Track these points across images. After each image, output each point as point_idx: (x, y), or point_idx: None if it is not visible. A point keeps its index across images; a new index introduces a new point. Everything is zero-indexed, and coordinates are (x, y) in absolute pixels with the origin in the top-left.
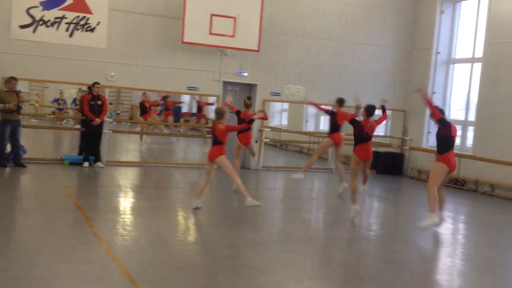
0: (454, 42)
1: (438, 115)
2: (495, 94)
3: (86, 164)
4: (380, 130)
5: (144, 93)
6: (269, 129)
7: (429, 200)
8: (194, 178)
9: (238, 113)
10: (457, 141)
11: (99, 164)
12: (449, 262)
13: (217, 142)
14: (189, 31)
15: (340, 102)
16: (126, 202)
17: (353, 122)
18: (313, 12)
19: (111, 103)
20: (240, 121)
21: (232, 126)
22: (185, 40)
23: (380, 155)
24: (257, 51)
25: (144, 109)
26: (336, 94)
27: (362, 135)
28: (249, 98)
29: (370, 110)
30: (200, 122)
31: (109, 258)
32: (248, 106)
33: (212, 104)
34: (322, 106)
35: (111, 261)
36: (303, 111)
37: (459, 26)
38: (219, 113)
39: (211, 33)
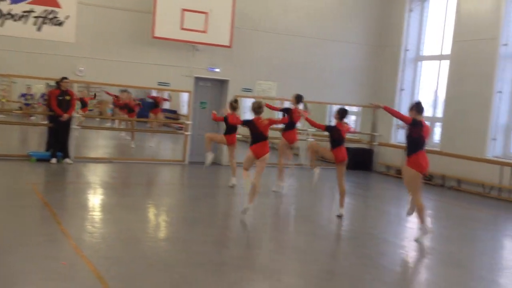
0: (422, 39)
1: (408, 120)
2: (462, 91)
3: (53, 160)
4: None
5: (125, 90)
6: (240, 125)
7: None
8: (165, 175)
9: (225, 119)
10: None
11: (67, 160)
12: (416, 256)
13: (262, 138)
14: (160, 26)
15: (298, 98)
16: (95, 199)
17: (329, 129)
18: (283, 9)
19: (94, 97)
20: (230, 125)
21: (275, 120)
22: (156, 35)
23: (350, 151)
24: (229, 46)
25: (130, 108)
26: (307, 90)
27: (340, 138)
28: (235, 101)
29: (342, 113)
30: (158, 117)
31: (77, 255)
32: (234, 109)
33: (168, 100)
34: (275, 106)
35: (79, 259)
36: None
37: (427, 23)
38: (260, 107)
39: (182, 28)
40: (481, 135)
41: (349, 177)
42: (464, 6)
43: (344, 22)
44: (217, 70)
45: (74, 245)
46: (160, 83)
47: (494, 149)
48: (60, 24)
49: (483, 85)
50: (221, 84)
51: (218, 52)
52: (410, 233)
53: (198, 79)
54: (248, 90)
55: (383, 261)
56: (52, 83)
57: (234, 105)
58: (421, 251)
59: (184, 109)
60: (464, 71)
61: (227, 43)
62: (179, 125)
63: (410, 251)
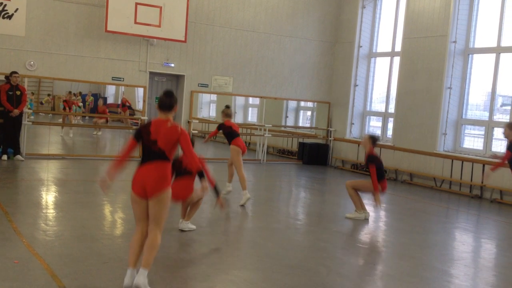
0: (375, 36)
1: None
2: (412, 87)
3: (4, 157)
4: (306, 122)
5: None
6: (198, 121)
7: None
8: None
9: (221, 126)
10: (379, 132)
11: (18, 157)
12: (371, 249)
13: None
14: (113, 19)
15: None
16: (48, 196)
17: None
18: (239, 4)
19: (32, 93)
20: (228, 131)
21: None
22: (109, 29)
23: (306, 146)
24: (184, 41)
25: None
26: (263, 85)
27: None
28: (227, 107)
29: None
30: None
31: (30, 254)
32: (229, 116)
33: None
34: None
35: (32, 257)
36: (232, 103)
37: (380, 20)
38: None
39: (136, 22)
40: (432, 130)
41: (305, 171)
42: (414, 4)
43: (300, 18)
44: (172, 65)
45: (27, 244)
46: (114, 78)
47: (445, 144)
48: (9, 17)
49: (433, 81)
50: (177, 79)
51: (173, 46)
52: (365, 226)
53: (153, 74)
54: (204, 85)
55: (339, 254)
56: (2, 77)
57: (228, 112)
58: (376, 243)
59: (139, 105)
60: (415, 68)
61: (182, 38)
62: (134, 121)
63: (365, 244)
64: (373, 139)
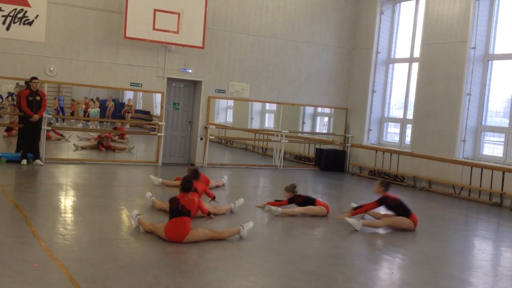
0: (394, 42)
1: None
2: (431, 93)
3: (24, 161)
4: (323, 128)
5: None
6: (214, 126)
7: None
8: (137, 176)
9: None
10: (396, 138)
11: (38, 161)
12: (389, 256)
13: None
14: (131, 26)
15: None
16: (66, 201)
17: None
18: (256, 10)
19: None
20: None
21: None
22: (128, 35)
23: (323, 152)
24: (202, 47)
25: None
26: (280, 91)
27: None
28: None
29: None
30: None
31: (49, 258)
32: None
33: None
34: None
35: (51, 261)
36: (248, 109)
37: (398, 26)
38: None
39: (154, 29)
40: (451, 137)
41: (322, 177)
42: (433, 10)
43: (318, 24)
44: (190, 71)
45: (46, 247)
46: (132, 84)
47: (464, 151)
48: (29, 23)
49: (453, 88)
50: (194, 85)
51: (191, 53)
52: (383, 233)
53: (170, 79)
54: (221, 91)
55: (356, 261)
56: (22, 83)
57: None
58: (394, 251)
59: (157, 110)
60: (434, 74)
61: (199, 44)
62: (152, 126)
63: (383, 251)
64: (385, 185)
